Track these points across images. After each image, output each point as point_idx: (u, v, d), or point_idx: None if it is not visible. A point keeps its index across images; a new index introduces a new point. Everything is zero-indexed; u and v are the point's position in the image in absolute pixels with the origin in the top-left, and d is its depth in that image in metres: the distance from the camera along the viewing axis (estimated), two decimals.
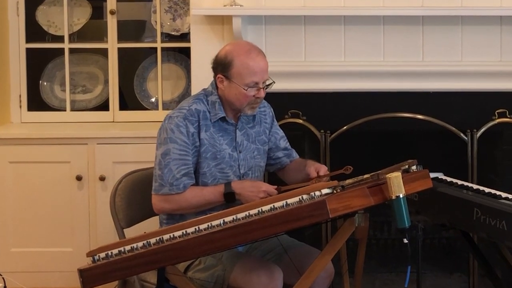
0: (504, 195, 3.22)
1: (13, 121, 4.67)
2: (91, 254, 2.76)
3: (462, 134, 4.22)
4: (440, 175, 3.53)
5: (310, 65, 4.23)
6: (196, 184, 3.29)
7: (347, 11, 4.16)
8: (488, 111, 4.22)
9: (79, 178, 4.36)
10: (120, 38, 4.67)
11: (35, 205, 4.38)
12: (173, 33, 4.76)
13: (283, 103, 4.16)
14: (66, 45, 4.69)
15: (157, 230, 2.88)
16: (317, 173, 3.30)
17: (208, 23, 4.23)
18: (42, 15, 4.78)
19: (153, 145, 3.36)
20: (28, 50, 4.68)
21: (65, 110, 4.73)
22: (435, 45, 4.21)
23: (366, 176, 2.97)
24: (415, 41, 4.21)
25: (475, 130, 4.22)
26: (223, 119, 3.33)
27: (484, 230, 3.04)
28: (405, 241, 2.83)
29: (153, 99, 4.79)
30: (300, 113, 4.25)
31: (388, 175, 2.83)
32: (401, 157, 3.15)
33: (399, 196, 2.81)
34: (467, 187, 3.37)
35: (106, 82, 4.76)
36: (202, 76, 4.07)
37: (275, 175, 3.61)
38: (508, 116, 4.21)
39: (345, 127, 4.23)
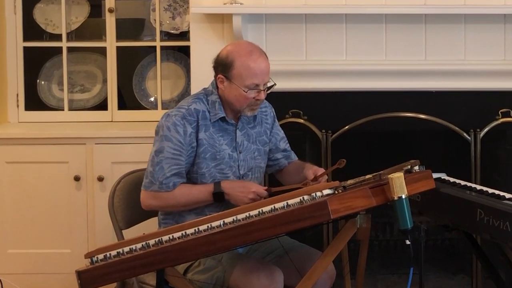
0: (508, 195, 3.22)
1: (10, 121, 4.67)
2: (89, 255, 2.76)
3: (465, 134, 4.22)
4: (443, 176, 3.53)
5: (311, 64, 4.23)
6: (196, 184, 3.30)
7: (348, 9, 4.16)
8: (491, 111, 4.22)
9: (77, 178, 4.36)
10: (119, 37, 4.67)
11: (32, 205, 4.37)
12: (172, 31, 4.76)
13: (283, 102, 4.15)
14: (64, 44, 4.69)
15: (156, 231, 2.88)
16: (315, 177, 3.30)
17: (208, 22, 4.23)
18: (40, 13, 4.78)
19: (152, 145, 3.37)
20: (26, 49, 4.68)
21: (63, 110, 4.73)
22: (437, 44, 4.21)
23: (368, 176, 2.97)
24: (417, 40, 4.21)
25: (478, 130, 4.22)
26: (223, 119, 3.33)
27: (487, 231, 3.04)
28: (408, 242, 2.83)
29: (152, 99, 4.79)
30: (301, 112, 4.25)
31: (390, 176, 2.83)
32: (404, 157, 3.15)
33: (401, 196, 2.81)
34: (470, 188, 3.38)
35: (105, 81, 4.76)
36: (201, 75, 4.07)
37: (273, 176, 3.61)
38: None
39: (346, 127, 4.23)
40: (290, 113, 4.24)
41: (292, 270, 3.18)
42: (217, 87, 3.33)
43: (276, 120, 3.56)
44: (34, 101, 4.75)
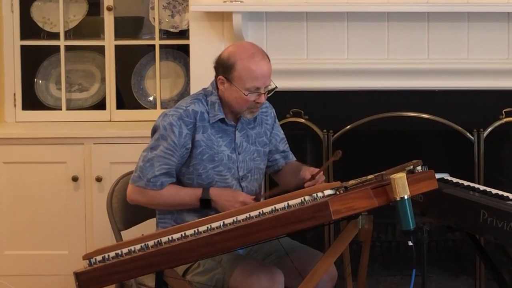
0: (511, 196, 3.22)
1: (7, 120, 4.67)
2: (87, 257, 2.76)
3: (468, 134, 4.22)
4: (446, 176, 3.53)
5: (312, 63, 4.23)
6: (192, 185, 3.30)
7: (350, 7, 4.16)
8: (495, 110, 4.22)
9: (75, 179, 4.36)
10: (117, 35, 4.67)
11: (29, 206, 4.37)
12: (171, 30, 4.76)
13: (284, 102, 4.15)
14: (61, 42, 4.69)
15: (155, 233, 2.89)
16: (311, 175, 3.30)
17: (208, 20, 4.23)
18: (37, 12, 4.78)
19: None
20: (23, 48, 4.68)
21: (60, 109, 4.73)
22: (440, 42, 4.21)
23: (370, 177, 2.97)
24: (420, 38, 4.21)
25: (481, 130, 4.22)
26: (222, 120, 3.33)
27: (491, 232, 3.04)
28: (410, 243, 2.83)
29: (151, 98, 4.79)
30: (302, 112, 4.25)
31: (392, 176, 2.83)
32: (406, 158, 3.14)
33: (403, 197, 2.81)
34: (473, 188, 3.38)
35: (103, 80, 4.76)
36: (201, 74, 4.07)
37: (270, 177, 3.61)
38: None
39: (348, 127, 4.23)
40: (291, 113, 4.24)
41: (293, 272, 3.19)
42: (217, 88, 3.33)
43: (277, 120, 3.56)
44: (31, 101, 4.75)
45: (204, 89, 3.41)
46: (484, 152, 4.22)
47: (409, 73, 4.21)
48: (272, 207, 2.86)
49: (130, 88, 4.80)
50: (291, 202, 2.86)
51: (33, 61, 4.80)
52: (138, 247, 2.78)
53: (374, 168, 3.10)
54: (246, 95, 3.24)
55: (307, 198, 2.87)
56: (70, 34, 4.78)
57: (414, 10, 4.15)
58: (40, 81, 4.82)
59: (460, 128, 4.21)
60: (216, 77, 3.33)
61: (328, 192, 2.88)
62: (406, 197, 2.81)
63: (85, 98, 4.82)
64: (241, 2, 4.13)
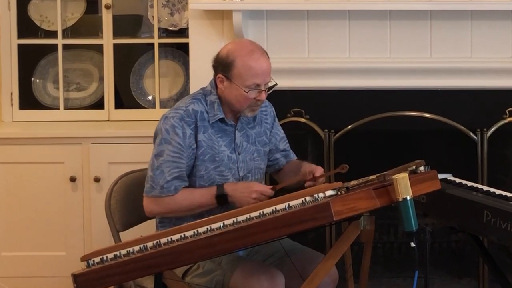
0: None
1: (4, 120, 4.67)
2: (85, 258, 2.76)
3: (471, 134, 4.22)
4: (449, 176, 3.53)
5: (314, 61, 4.23)
6: (194, 187, 3.29)
7: (352, 5, 4.16)
8: (499, 110, 4.22)
9: (73, 179, 4.36)
10: (116, 34, 4.67)
11: (27, 207, 4.38)
12: (171, 28, 4.76)
13: (285, 101, 4.16)
14: (59, 41, 4.69)
15: (154, 234, 2.89)
16: (313, 175, 3.30)
17: (208, 18, 4.23)
18: (35, 10, 4.78)
19: (150, 145, 3.37)
20: (20, 46, 4.68)
21: (58, 109, 4.73)
22: (443, 41, 4.21)
23: (371, 177, 2.97)
24: (422, 37, 4.21)
25: (485, 130, 4.22)
26: (222, 120, 3.33)
27: (494, 234, 3.04)
28: (412, 244, 2.83)
29: (150, 97, 4.79)
30: (303, 111, 4.25)
31: (394, 176, 2.83)
32: (408, 158, 3.14)
33: (406, 198, 2.81)
34: (476, 189, 3.38)
35: (101, 79, 4.76)
36: (200, 73, 4.07)
37: (271, 176, 3.61)
38: None
39: (349, 126, 4.23)
40: (292, 112, 4.24)
41: (294, 274, 3.19)
42: (216, 87, 3.33)
43: (276, 119, 3.56)
44: (28, 100, 4.75)
45: (202, 88, 3.41)
46: (488, 152, 4.22)
47: (412, 72, 4.21)
48: (273, 207, 2.86)
49: (128, 87, 4.80)
50: (292, 203, 2.86)
51: (30, 60, 4.80)
52: (136, 248, 2.78)
53: (376, 168, 3.10)
54: (247, 93, 3.24)
55: (308, 198, 2.87)
56: (68, 32, 4.78)
57: (417, 8, 4.15)
58: (38, 80, 4.82)
59: (463, 128, 4.21)
60: (215, 75, 3.33)
61: (329, 192, 2.88)
62: (408, 197, 2.81)
63: (83, 97, 4.83)
64: (241, 0, 4.13)
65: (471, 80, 4.20)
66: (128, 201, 3.50)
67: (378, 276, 4.42)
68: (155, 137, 3.31)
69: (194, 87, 4.09)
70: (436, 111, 4.21)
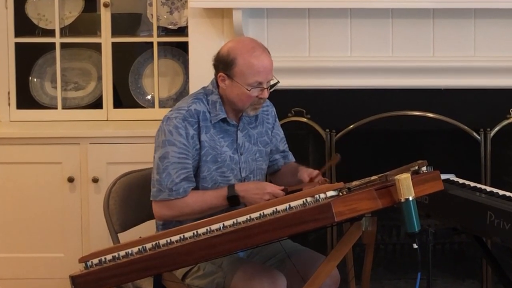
0: None
1: (1, 120, 4.67)
2: (83, 260, 2.76)
3: (475, 134, 4.22)
4: (452, 177, 3.53)
5: (315, 60, 4.23)
6: (196, 189, 3.29)
7: (353, 3, 4.16)
8: (502, 109, 4.22)
9: (71, 179, 4.36)
10: (114, 32, 4.67)
11: (24, 208, 4.38)
12: (170, 26, 4.76)
13: (286, 100, 4.16)
14: (57, 40, 4.69)
15: (153, 235, 2.88)
16: (310, 178, 3.30)
17: (207, 16, 4.23)
18: (32, 8, 4.78)
19: (149, 144, 3.37)
20: (17, 45, 4.68)
21: (56, 108, 4.73)
22: (446, 40, 4.21)
23: (373, 177, 2.97)
24: (425, 35, 4.21)
25: (488, 129, 4.22)
26: (224, 120, 3.33)
27: (498, 235, 3.04)
28: (415, 246, 2.83)
29: (149, 97, 4.79)
30: (304, 111, 4.25)
31: (397, 177, 2.83)
32: (411, 158, 3.15)
33: (408, 198, 2.81)
34: (480, 189, 3.38)
35: (100, 78, 4.76)
36: (200, 72, 4.07)
37: (267, 178, 3.61)
38: None
39: (351, 126, 4.24)
40: (293, 112, 4.24)
41: (295, 275, 3.18)
42: (218, 86, 3.33)
43: (277, 119, 3.56)
44: (26, 99, 4.75)
45: (203, 88, 3.40)
46: (491, 152, 4.22)
47: (414, 71, 4.21)
48: (274, 208, 2.86)
49: (127, 87, 4.80)
50: (292, 204, 2.86)
51: (27, 59, 4.80)
52: (135, 249, 2.78)
53: (378, 168, 3.11)
54: (249, 91, 3.24)
55: (309, 199, 2.87)
56: (66, 31, 4.78)
57: (419, 7, 4.15)
58: (35, 80, 4.82)
59: (466, 127, 4.21)
60: (216, 74, 3.32)
61: (330, 193, 2.88)
62: (411, 198, 2.81)
63: (81, 96, 4.83)
64: None
65: (474, 80, 4.20)
66: (127, 202, 3.50)
67: (380, 278, 4.42)
68: (157, 138, 3.29)
69: (193, 86, 4.09)
70: (438, 110, 4.21)
